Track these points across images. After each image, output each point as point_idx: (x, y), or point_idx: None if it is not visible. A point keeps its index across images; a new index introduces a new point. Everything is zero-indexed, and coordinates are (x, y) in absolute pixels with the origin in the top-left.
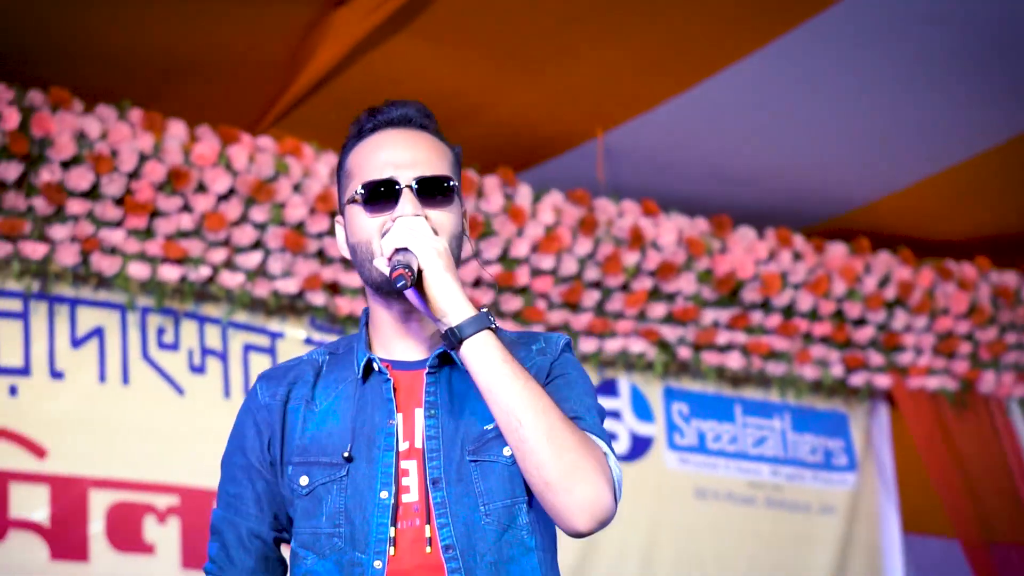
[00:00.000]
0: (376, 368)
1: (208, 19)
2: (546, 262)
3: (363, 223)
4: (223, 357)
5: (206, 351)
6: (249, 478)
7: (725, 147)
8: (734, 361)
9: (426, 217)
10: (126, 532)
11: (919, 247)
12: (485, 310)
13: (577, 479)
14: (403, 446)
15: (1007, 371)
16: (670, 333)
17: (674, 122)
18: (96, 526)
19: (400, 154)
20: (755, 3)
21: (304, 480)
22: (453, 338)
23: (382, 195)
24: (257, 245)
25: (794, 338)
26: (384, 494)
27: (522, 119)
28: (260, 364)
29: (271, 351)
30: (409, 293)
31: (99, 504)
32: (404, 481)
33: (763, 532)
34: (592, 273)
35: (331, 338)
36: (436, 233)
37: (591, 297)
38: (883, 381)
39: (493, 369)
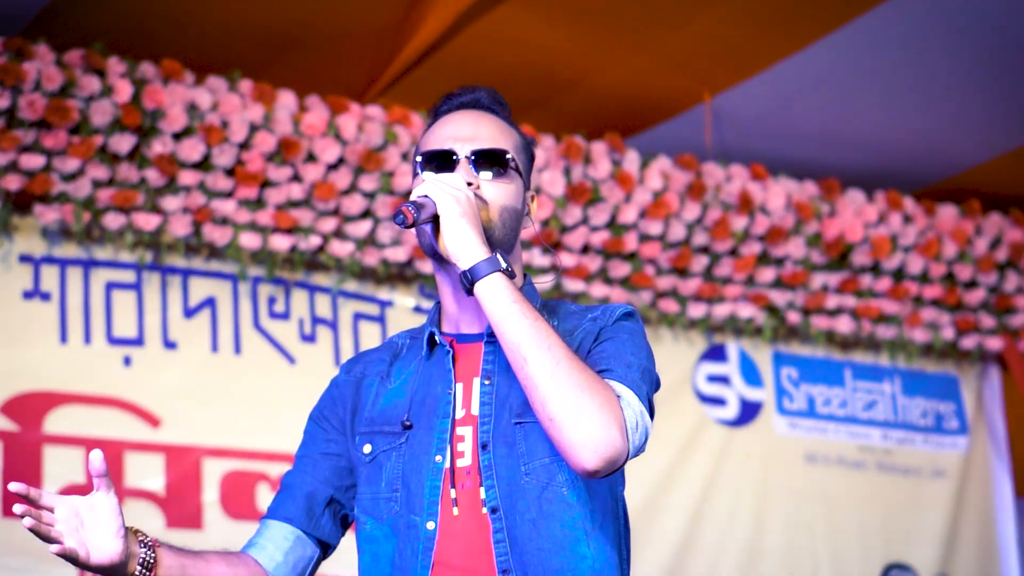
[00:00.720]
0: (438, 341)
1: None
2: (654, 227)
3: None
4: (333, 326)
5: (316, 320)
6: (315, 442)
7: (833, 110)
8: (844, 325)
9: (478, 186)
10: (240, 500)
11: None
12: (498, 255)
13: (582, 415)
14: (459, 413)
15: None
16: (779, 298)
17: (781, 86)
18: (210, 494)
19: (462, 130)
20: None
21: (367, 448)
22: (466, 281)
23: (439, 165)
24: (366, 214)
25: (904, 301)
26: (439, 458)
27: (629, 85)
28: (370, 332)
29: (381, 319)
30: (425, 234)
31: (213, 473)
32: (459, 447)
33: (874, 497)
34: (700, 238)
35: None
36: (485, 203)
37: (699, 262)
38: (994, 344)
39: (502, 308)
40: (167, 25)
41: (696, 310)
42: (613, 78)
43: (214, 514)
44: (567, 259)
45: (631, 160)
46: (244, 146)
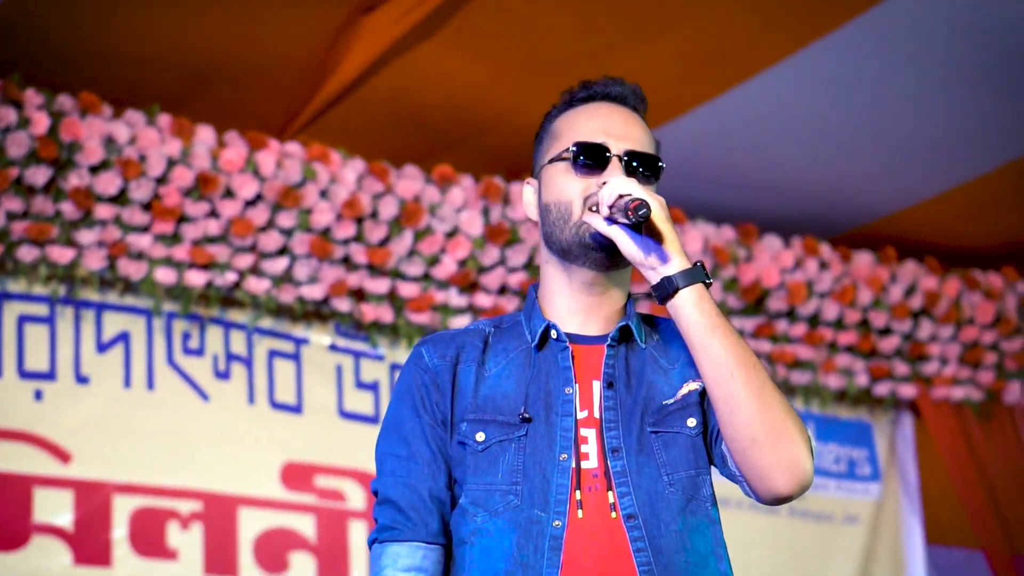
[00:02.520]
0: (554, 336)
1: (236, 24)
2: None
3: (566, 183)
4: (248, 363)
5: (231, 357)
6: (424, 439)
7: (752, 154)
8: None
9: None
10: (149, 537)
11: (945, 256)
12: (700, 264)
13: (784, 437)
14: (581, 414)
15: None
16: None
17: (700, 129)
18: (119, 531)
19: (614, 125)
20: (784, 11)
21: (480, 436)
22: (668, 287)
23: (592, 158)
24: (283, 251)
25: (819, 347)
26: (563, 456)
27: None
28: (285, 370)
29: (296, 357)
30: (624, 235)
31: (123, 509)
32: (583, 448)
33: (786, 542)
34: None
35: (357, 345)
36: None
37: None
38: (908, 391)
39: (710, 319)
40: (86, 57)
41: None
42: (534, 119)
43: (123, 551)
44: (484, 300)
45: None
46: (161, 180)
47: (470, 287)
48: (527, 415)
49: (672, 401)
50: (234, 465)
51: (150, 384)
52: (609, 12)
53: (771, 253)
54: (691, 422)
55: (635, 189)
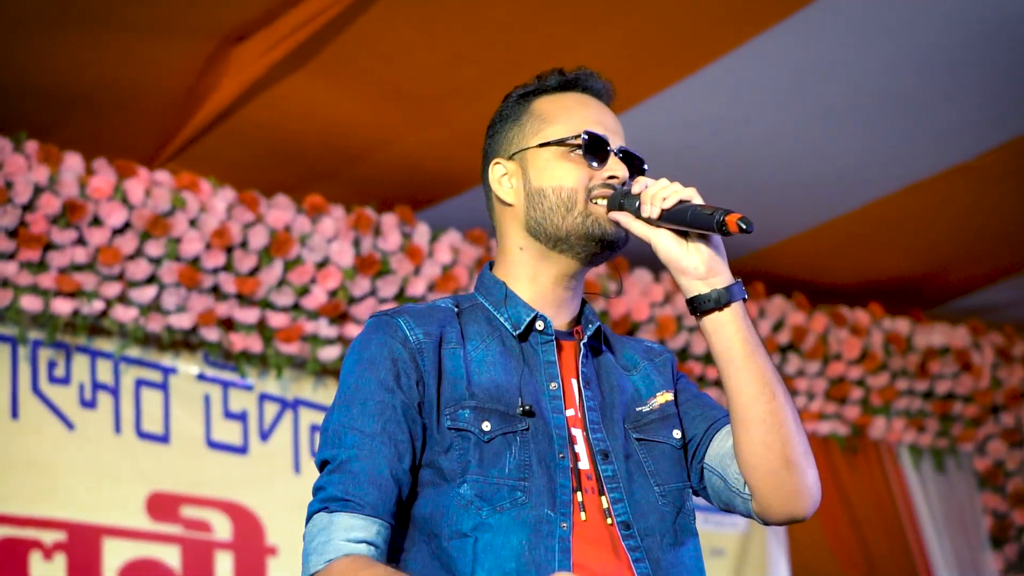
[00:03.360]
0: (540, 327)
1: (106, 52)
2: None
3: (570, 170)
4: (115, 392)
5: (97, 386)
6: (396, 418)
7: None
8: None
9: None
10: (12, 567)
11: (813, 292)
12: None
13: (809, 459)
14: (568, 412)
15: (897, 417)
16: None
17: None
18: None
19: (609, 120)
20: (649, 51)
21: (487, 426)
22: (720, 300)
23: (598, 151)
24: (152, 279)
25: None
26: (562, 455)
27: (421, 158)
28: (152, 400)
29: (164, 387)
30: (670, 239)
31: None
32: (575, 448)
33: None
34: None
35: (225, 375)
36: None
37: None
38: None
39: (754, 336)
40: None
41: None
42: (405, 150)
43: None
44: (353, 330)
45: (421, 233)
46: (28, 208)
47: (340, 318)
48: (528, 408)
49: (648, 409)
50: (99, 495)
51: (14, 413)
52: (478, 49)
53: (641, 287)
54: (677, 434)
55: (695, 196)
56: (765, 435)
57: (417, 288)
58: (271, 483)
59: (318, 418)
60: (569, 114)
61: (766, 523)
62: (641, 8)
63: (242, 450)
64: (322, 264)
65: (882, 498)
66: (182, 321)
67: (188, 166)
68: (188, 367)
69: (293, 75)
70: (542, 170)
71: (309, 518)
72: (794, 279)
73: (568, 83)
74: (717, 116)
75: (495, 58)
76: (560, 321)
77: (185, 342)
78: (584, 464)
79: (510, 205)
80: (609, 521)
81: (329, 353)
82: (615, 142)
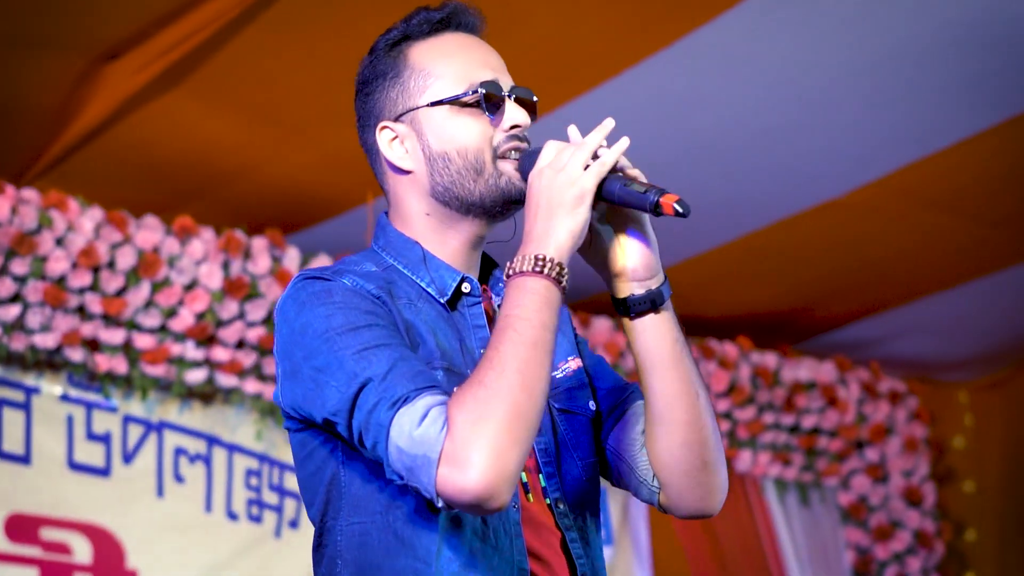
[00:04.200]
0: (467, 290)
1: None
2: None
3: (469, 129)
4: None
5: None
6: (401, 337)
7: None
8: None
9: None
10: None
11: (682, 324)
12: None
13: (723, 459)
14: None
15: (764, 451)
16: None
17: None
18: None
19: (492, 59)
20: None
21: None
22: (656, 302)
23: (494, 101)
24: (16, 298)
25: None
26: None
27: (292, 181)
28: (14, 420)
29: (26, 406)
30: (649, 233)
31: None
32: None
33: None
34: None
35: (89, 396)
36: None
37: None
38: None
39: (682, 336)
40: None
41: None
42: (276, 174)
43: None
44: (221, 354)
45: (291, 257)
46: None
47: (207, 340)
48: None
49: (563, 375)
50: None
51: None
52: (351, 73)
53: (604, 338)
54: (592, 404)
55: (620, 161)
56: (687, 436)
57: None
58: (133, 506)
59: (183, 441)
60: (451, 62)
61: (670, 513)
62: (518, 37)
63: (104, 472)
64: (190, 286)
65: (746, 530)
66: (46, 341)
67: (56, 184)
68: (51, 387)
69: (165, 95)
70: (440, 131)
71: (385, 441)
72: None
73: (439, 25)
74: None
75: None
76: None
77: (49, 362)
78: None
79: (408, 172)
80: (548, 501)
81: (195, 376)
82: (505, 83)
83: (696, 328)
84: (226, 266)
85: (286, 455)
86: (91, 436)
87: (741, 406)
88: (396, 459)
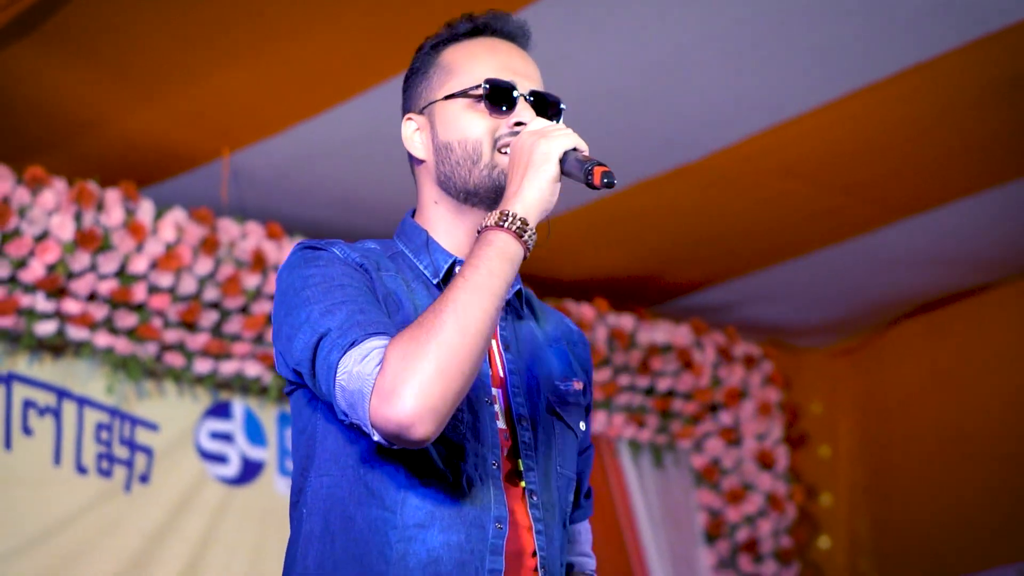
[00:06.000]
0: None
1: None
2: (165, 279)
3: (473, 122)
4: None
5: None
6: (373, 300)
7: (350, 173)
8: None
9: None
10: None
11: (539, 286)
12: None
13: None
14: (487, 370)
15: (618, 412)
16: None
17: (303, 146)
18: None
19: (517, 63)
20: (388, 36)
21: None
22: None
23: (501, 98)
24: None
25: None
26: (487, 400)
27: (147, 135)
28: None
29: None
30: None
31: None
32: (494, 407)
33: None
34: (211, 294)
35: None
36: None
37: (209, 317)
38: None
39: None
40: None
41: (203, 365)
42: (130, 127)
43: None
44: (72, 306)
45: (145, 210)
46: None
47: (58, 292)
48: None
49: (565, 388)
50: None
51: None
52: (206, 28)
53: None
54: (582, 425)
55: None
56: None
57: (139, 265)
58: None
59: (32, 393)
60: (474, 62)
61: None
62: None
63: None
64: (41, 237)
65: (599, 491)
66: None
67: None
68: None
69: (16, 44)
70: (448, 123)
71: (333, 381)
72: (520, 273)
73: (477, 29)
74: None
75: (220, 39)
76: None
77: None
78: (502, 423)
79: (422, 161)
80: (522, 484)
81: (46, 328)
82: (524, 85)
83: (553, 290)
84: (78, 217)
85: (138, 409)
86: None
87: (597, 368)
88: (340, 397)
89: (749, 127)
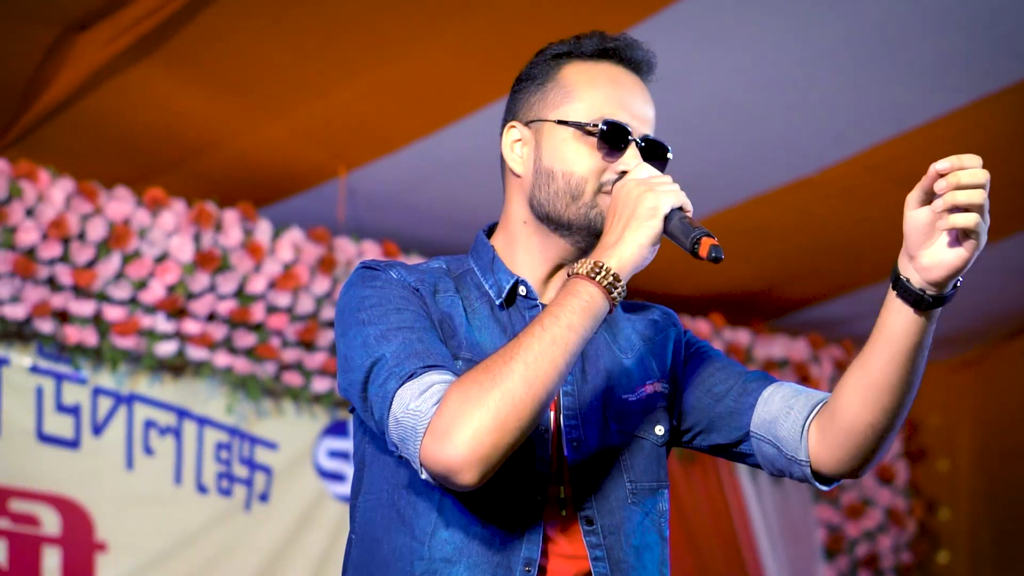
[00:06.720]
0: (523, 293)
1: None
2: (283, 299)
3: (582, 157)
4: None
5: None
6: (429, 326)
7: (466, 191)
8: None
9: None
10: None
11: (656, 302)
12: None
13: None
14: None
15: None
16: None
17: (417, 164)
18: None
19: (637, 103)
20: (501, 54)
21: None
22: (922, 298)
23: (616, 141)
24: None
25: None
26: (539, 428)
27: (264, 154)
28: None
29: None
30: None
31: None
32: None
33: None
34: (329, 313)
35: (59, 367)
36: None
37: (326, 336)
38: None
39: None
40: None
41: (321, 384)
42: (248, 146)
43: None
44: (192, 326)
45: (263, 230)
46: None
47: (178, 313)
48: None
49: (635, 399)
50: None
51: None
52: (323, 45)
53: None
54: (659, 430)
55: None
56: (890, 430)
57: (257, 285)
58: (102, 478)
59: (153, 414)
60: (595, 92)
61: (810, 482)
62: (473, 17)
63: (74, 444)
64: (161, 258)
65: (718, 509)
66: (16, 312)
67: (27, 154)
68: (21, 359)
69: (136, 66)
70: (555, 149)
71: (387, 412)
72: (637, 290)
73: (604, 52)
74: None
75: (337, 55)
76: (551, 296)
77: (18, 333)
78: (551, 449)
79: (518, 176)
80: (563, 512)
81: (166, 348)
82: (639, 130)
83: (669, 305)
84: (197, 238)
85: (257, 428)
86: (61, 408)
87: None
88: (392, 429)
89: (869, 138)
